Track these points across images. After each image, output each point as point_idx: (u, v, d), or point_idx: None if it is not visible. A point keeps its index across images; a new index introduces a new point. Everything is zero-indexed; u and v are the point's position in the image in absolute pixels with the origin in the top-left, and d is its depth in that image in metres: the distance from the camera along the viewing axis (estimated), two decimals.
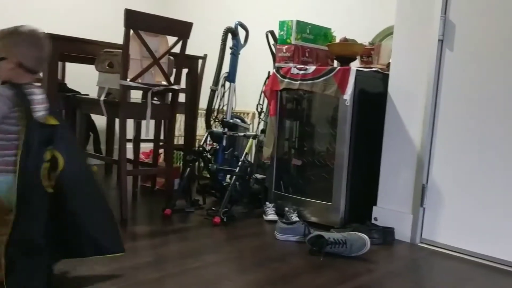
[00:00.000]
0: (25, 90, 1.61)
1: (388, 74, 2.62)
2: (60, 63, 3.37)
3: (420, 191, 2.47)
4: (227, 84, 3.19)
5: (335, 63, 2.99)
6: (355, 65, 2.81)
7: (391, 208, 2.58)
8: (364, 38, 3.04)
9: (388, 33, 3.12)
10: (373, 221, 2.61)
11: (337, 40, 3.01)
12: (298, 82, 2.73)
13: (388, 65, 2.71)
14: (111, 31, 3.29)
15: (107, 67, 2.65)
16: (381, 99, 2.63)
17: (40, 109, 1.62)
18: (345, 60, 2.83)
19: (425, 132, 2.44)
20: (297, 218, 2.62)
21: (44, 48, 1.69)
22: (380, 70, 2.73)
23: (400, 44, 2.55)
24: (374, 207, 2.64)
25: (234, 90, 3.20)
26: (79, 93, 3.22)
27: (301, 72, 2.72)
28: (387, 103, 2.59)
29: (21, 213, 1.52)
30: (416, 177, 2.49)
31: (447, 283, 1.98)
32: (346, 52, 2.84)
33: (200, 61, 3.48)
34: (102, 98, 2.60)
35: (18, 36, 1.64)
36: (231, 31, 3.08)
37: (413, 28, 2.48)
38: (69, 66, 3.67)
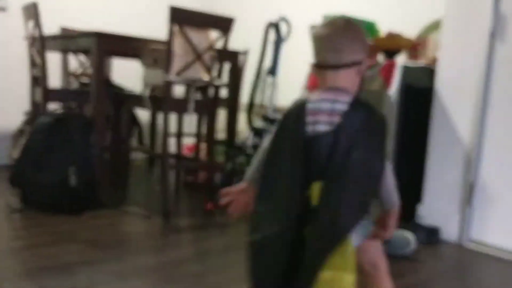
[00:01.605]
0: None
1: (435, 69, 2.54)
2: (106, 60, 3.46)
3: (468, 189, 2.38)
4: (269, 78, 3.18)
5: (381, 57, 2.93)
6: (401, 59, 2.74)
7: (437, 207, 2.50)
8: (410, 31, 2.96)
9: (435, 26, 3.02)
10: (418, 219, 2.55)
11: (383, 34, 2.95)
12: None
13: (435, 59, 2.63)
14: (155, 27, 3.35)
15: (152, 63, 2.69)
16: (428, 95, 2.55)
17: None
18: (391, 54, 2.76)
19: (475, 129, 2.35)
20: None
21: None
22: (427, 65, 2.65)
23: (448, 38, 2.46)
24: (419, 205, 2.57)
25: (276, 85, 3.19)
26: (124, 88, 3.30)
27: None
28: (434, 99, 2.52)
29: None
30: (464, 175, 2.40)
31: (495, 285, 1.91)
32: (392, 46, 2.78)
33: (242, 56, 3.49)
34: (146, 93, 2.65)
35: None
36: (274, 26, 3.06)
37: (462, 21, 2.39)
38: (115, 62, 3.77)
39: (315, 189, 1.12)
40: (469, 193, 2.38)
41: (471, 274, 2.07)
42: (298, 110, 1.19)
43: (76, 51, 3.46)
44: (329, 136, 1.13)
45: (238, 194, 1.29)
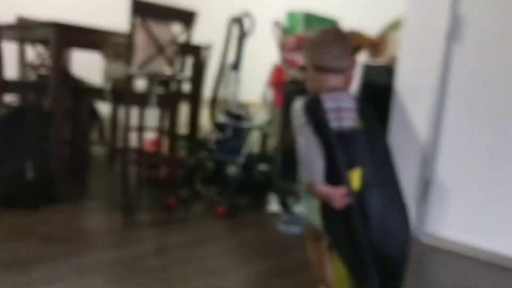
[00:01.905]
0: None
1: (394, 67, 2.60)
2: (66, 51, 3.38)
3: (424, 186, 2.47)
4: (232, 74, 3.18)
5: None
6: (361, 57, 2.80)
7: None
8: (370, 30, 3.02)
9: (395, 25, 3.10)
10: None
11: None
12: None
13: (395, 58, 2.70)
14: (117, 19, 3.29)
15: (113, 56, 2.65)
16: (387, 92, 2.61)
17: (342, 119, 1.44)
18: (352, 52, 2.81)
19: (431, 127, 2.43)
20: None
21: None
22: (386, 63, 2.71)
23: (408, 38, 2.53)
24: None
25: (239, 80, 3.20)
26: (84, 81, 3.23)
27: None
28: (393, 97, 2.59)
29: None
30: (420, 172, 2.48)
31: (449, 279, 1.99)
32: (353, 44, 2.83)
33: (205, 50, 3.47)
34: (107, 86, 2.60)
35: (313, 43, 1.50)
36: (237, 21, 3.07)
37: (422, 22, 2.47)
38: (75, 54, 3.68)
39: (356, 175, 1.35)
40: (425, 189, 2.47)
41: (426, 267, 2.15)
42: (319, 110, 1.37)
43: (34, 42, 3.35)
44: (363, 130, 1.41)
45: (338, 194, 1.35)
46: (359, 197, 1.34)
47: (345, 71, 1.45)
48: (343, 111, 1.40)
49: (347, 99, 1.43)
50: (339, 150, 1.35)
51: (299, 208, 2.62)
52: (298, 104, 1.41)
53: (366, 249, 1.32)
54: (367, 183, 1.36)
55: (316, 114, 1.37)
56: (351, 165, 1.36)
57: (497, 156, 2.23)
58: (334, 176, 1.35)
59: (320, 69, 1.44)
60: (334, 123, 1.37)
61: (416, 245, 2.38)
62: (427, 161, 2.45)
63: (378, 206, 1.35)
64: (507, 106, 2.21)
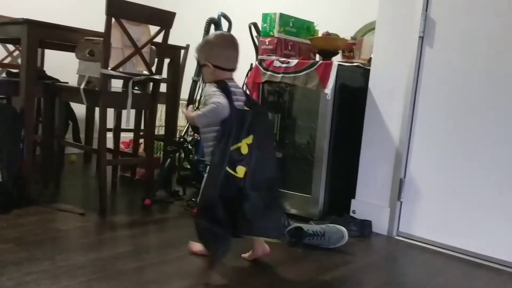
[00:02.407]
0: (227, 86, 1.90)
1: (369, 69, 2.65)
2: (39, 50, 3.31)
3: (397, 185, 2.51)
4: None
5: (317, 57, 3.01)
6: (337, 59, 2.83)
7: (369, 201, 2.62)
8: (346, 32, 3.06)
9: (370, 28, 3.14)
10: (351, 213, 2.65)
11: (320, 34, 3.03)
12: (281, 75, 2.73)
13: (370, 60, 2.74)
14: (92, 19, 3.24)
15: (88, 55, 2.61)
16: (361, 94, 2.66)
17: (238, 101, 1.91)
18: (328, 54, 2.85)
19: (404, 127, 2.48)
20: None
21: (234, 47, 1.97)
22: (361, 65, 2.76)
23: (381, 40, 2.58)
24: (352, 200, 2.68)
25: None
26: (58, 80, 3.17)
27: (284, 65, 2.73)
28: (367, 98, 2.63)
29: (207, 184, 1.85)
30: (394, 171, 2.53)
31: (422, 275, 2.03)
32: (329, 46, 2.86)
33: (182, 51, 3.46)
34: (82, 86, 2.56)
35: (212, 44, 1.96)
36: (214, 22, 3.06)
37: (395, 24, 2.52)
38: (49, 53, 3.61)
39: (249, 139, 1.85)
40: (398, 188, 2.51)
41: (399, 264, 2.19)
42: (227, 89, 1.86)
43: (4, 40, 3.27)
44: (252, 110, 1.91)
45: None
46: (249, 154, 1.84)
47: (235, 70, 1.97)
48: (238, 95, 1.91)
49: (239, 89, 1.96)
50: (237, 121, 1.82)
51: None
52: (210, 87, 1.87)
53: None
54: (254, 145, 1.85)
55: (225, 91, 1.84)
56: (247, 133, 1.84)
57: (467, 156, 2.29)
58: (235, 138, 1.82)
59: (217, 67, 1.91)
60: (234, 102, 1.85)
61: (391, 242, 2.43)
62: (400, 160, 2.50)
63: (258, 155, 1.86)
64: (474, 106, 2.27)
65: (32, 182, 2.63)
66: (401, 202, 2.53)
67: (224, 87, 1.86)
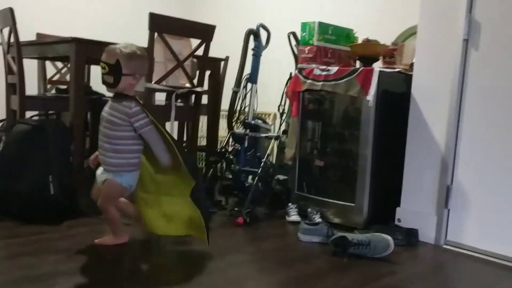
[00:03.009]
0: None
1: (411, 75, 2.60)
2: (85, 67, 3.44)
3: (444, 192, 2.44)
4: (249, 85, 3.20)
5: (358, 64, 2.98)
6: (377, 65, 2.80)
7: (414, 210, 2.56)
8: (386, 38, 3.02)
9: (411, 33, 3.10)
10: (396, 222, 2.60)
11: (360, 41, 3.01)
12: (321, 83, 2.73)
13: (411, 65, 2.69)
14: (136, 34, 3.34)
15: None
16: (404, 100, 2.61)
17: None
18: (368, 61, 2.82)
19: (450, 133, 2.42)
20: (320, 219, 2.62)
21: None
22: (403, 71, 2.71)
23: (423, 44, 2.53)
24: (397, 208, 2.63)
25: (256, 92, 3.21)
26: (103, 95, 3.28)
27: (324, 73, 2.72)
28: (410, 104, 2.58)
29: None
30: (440, 178, 2.46)
31: (473, 285, 1.96)
32: (369, 52, 2.83)
33: (222, 63, 3.51)
34: None
35: (144, 58, 2.08)
36: (253, 33, 3.09)
37: (437, 28, 2.46)
38: (94, 69, 3.75)
39: None
40: (445, 195, 2.44)
41: (447, 274, 2.12)
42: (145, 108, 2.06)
43: (54, 58, 3.42)
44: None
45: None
46: None
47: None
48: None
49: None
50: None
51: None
52: (136, 107, 2.00)
53: None
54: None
55: (146, 112, 2.02)
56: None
57: None
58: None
59: (138, 77, 2.03)
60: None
61: (438, 251, 2.36)
62: (447, 167, 2.43)
63: None
64: None
65: (82, 194, 2.72)
66: (449, 210, 2.45)
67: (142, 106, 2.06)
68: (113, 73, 1.97)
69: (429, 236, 2.48)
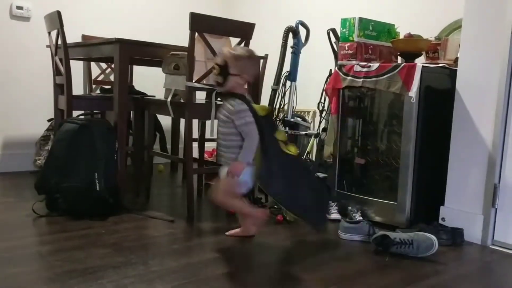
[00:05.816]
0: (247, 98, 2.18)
1: (455, 70, 2.53)
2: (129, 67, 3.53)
3: (491, 191, 2.37)
4: (288, 83, 3.20)
5: (399, 60, 2.93)
6: (420, 61, 2.74)
7: (460, 209, 2.49)
8: (429, 33, 2.95)
9: (455, 27, 3.01)
10: (440, 221, 2.54)
11: (401, 36, 2.95)
12: (362, 79, 2.69)
13: (456, 60, 2.62)
14: (177, 34, 3.40)
15: (174, 69, 2.74)
16: (448, 96, 2.54)
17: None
18: (410, 57, 2.76)
19: (497, 130, 2.34)
20: (361, 218, 2.59)
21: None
22: (447, 66, 2.64)
23: (469, 38, 2.45)
24: (441, 207, 2.56)
25: (295, 89, 3.21)
26: (146, 94, 3.36)
27: (365, 69, 2.69)
28: (455, 100, 2.51)
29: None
30: (487, 177, 2.38)
31: None
32: (411, 48, 2.77)
33: (261, 60, 3.51)
34: (169, 99, 2.69)
35: (252, 59, 2.20)
36: (292, 30, 3.09)
37: (483, 20, 2.38)
38: (136, 69, 3.84)
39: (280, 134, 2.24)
40: (492, 194, 2.36)
41: (496, 276, 2.05)
42: (250, 105, 2.13)
43: (98, 59, 3.53)
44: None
45: None
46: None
47: None
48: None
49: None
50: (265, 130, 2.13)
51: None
52: (238, 105, 2.10)
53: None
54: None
55: (251, 109, 2.11)
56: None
57: None
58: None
59: (246, 77, 2.16)
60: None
61: (485, 251, 2.29)
62: (494, 165, 2.35)
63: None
64: None
65: (125, 191, 2.80)
66: (496, 209, 2.38)
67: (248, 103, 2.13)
68: (222, 73, 2.12)
69: (475, 236, 2.41)
